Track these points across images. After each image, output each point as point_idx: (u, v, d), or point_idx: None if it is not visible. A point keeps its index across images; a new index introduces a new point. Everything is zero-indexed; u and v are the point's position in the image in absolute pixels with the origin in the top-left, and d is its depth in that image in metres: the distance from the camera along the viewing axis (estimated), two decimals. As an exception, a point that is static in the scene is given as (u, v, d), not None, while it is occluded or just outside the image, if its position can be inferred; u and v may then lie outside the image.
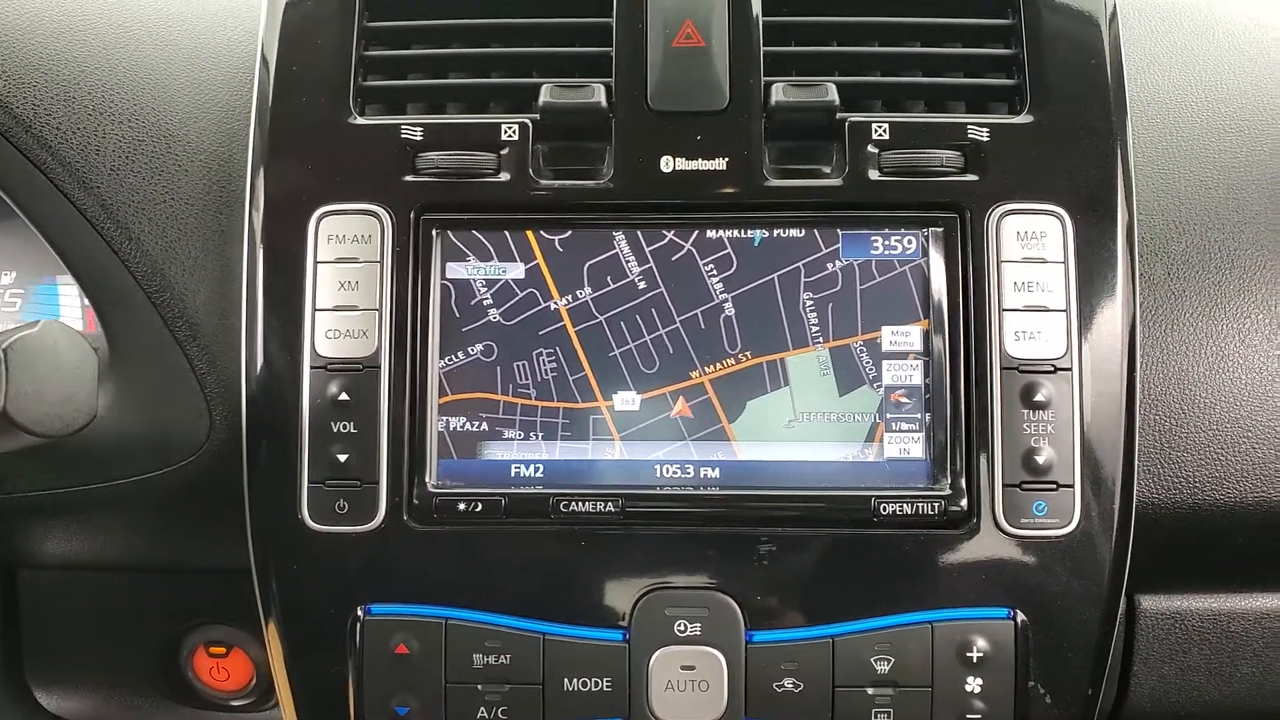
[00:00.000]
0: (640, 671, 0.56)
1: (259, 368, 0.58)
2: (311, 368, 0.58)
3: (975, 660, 0.56)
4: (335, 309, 0.58)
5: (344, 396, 0.57)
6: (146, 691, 0.73)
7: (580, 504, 0.57)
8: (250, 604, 0.64)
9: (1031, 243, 0.57)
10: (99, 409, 0.59)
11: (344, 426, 0.57)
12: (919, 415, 0.58)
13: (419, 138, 0.59)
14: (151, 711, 0.74)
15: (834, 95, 0.57)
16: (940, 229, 0.58)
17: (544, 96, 0.58)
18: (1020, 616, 0.56)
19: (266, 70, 0.60)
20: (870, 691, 0.56)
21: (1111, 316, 0.57)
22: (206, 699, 0.73)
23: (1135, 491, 0.57)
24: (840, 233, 0.58)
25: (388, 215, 0.58)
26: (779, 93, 0.58)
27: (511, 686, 0.57)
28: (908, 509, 0.56)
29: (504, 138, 0.59)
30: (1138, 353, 0.57)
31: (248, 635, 0.70)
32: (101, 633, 0.72)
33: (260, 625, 0.61)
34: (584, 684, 0.56)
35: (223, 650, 0.72)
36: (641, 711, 0.57)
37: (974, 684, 0.56)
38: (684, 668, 0.56)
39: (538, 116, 0.59)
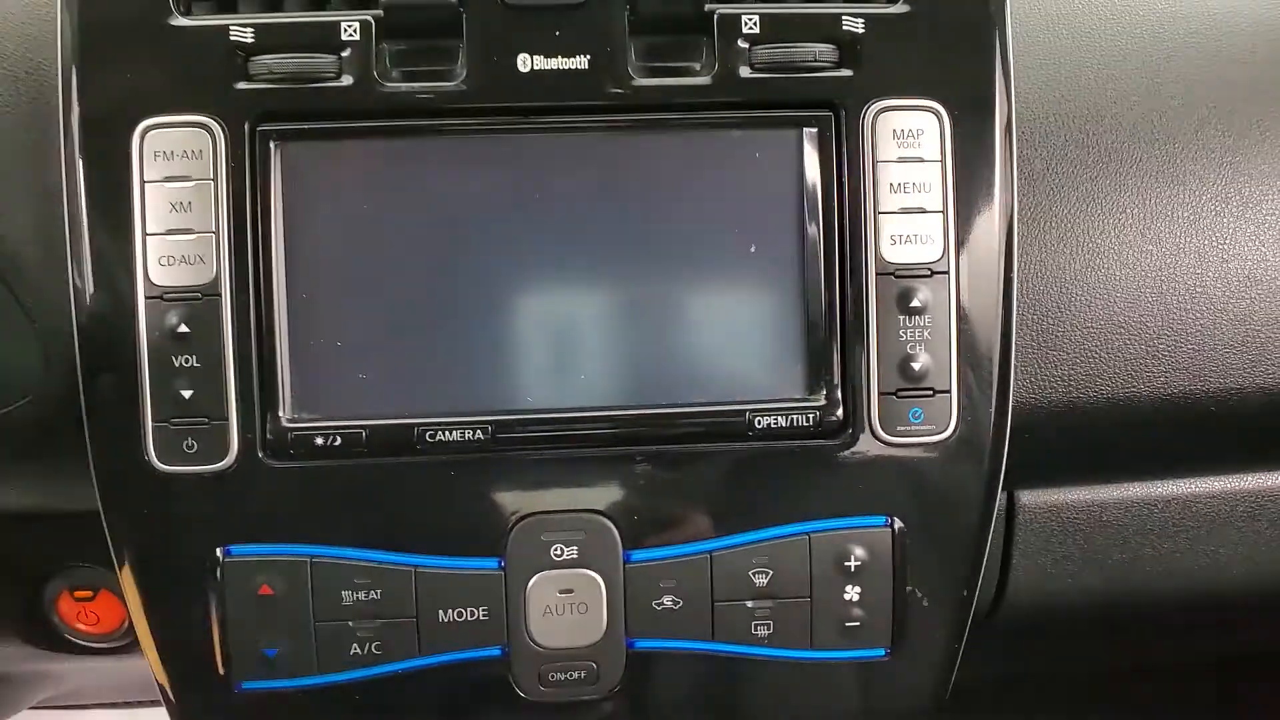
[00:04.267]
0: (517, 598, 0.55)
1: (89, 300, 0.53)
2: (146, 298, 0.53)
3: (853, 569, 0.56)
4: (168, 233, 0.53)
5: (183, 328, 0.53)
6: (14, 641, 0.70)
7: (447, 433, 0.54)
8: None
9: (908, 141, 0.55)
10: None
11: (186, 360, 0.53)
12: (794, 324, 0.56)
13: (250, 39, 0.53)
14: (25, 659, 0.71)
15: None
16: (814, 129, 0.55)
17: None
18: (897, 524, 0.56)
19: None
20: (750, 604, 0.56)
21: (990, 217, 0.56)
22: (78, 645, 0.70)
23: (1012, 394, 0.57)
24: (709, 135, 0.55)
25: (219, 127, 0.53)
26: None
27: (384, 621, 0.55)
28: (783, 421, 0.55)
29: (344, 37, 0.53)
30: (1015, 253, 0.56)
31: (112, 577, 0.67)
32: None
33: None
34: (460, 614, 0.55)
35: (89, 593, 0.68)
36: (520, 639, 0.56)
37: (852, 592, 0.57)
38: (562, 591, 0.55)
39: (381, 13, 0.53)
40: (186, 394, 0.53)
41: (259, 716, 0.57)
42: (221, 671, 0.55)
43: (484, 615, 0.55)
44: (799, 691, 0.58)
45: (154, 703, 1.57)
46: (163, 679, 0.57)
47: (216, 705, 0.56)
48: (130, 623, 0.70)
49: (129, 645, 0.72)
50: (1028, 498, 0.68)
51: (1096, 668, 0.99)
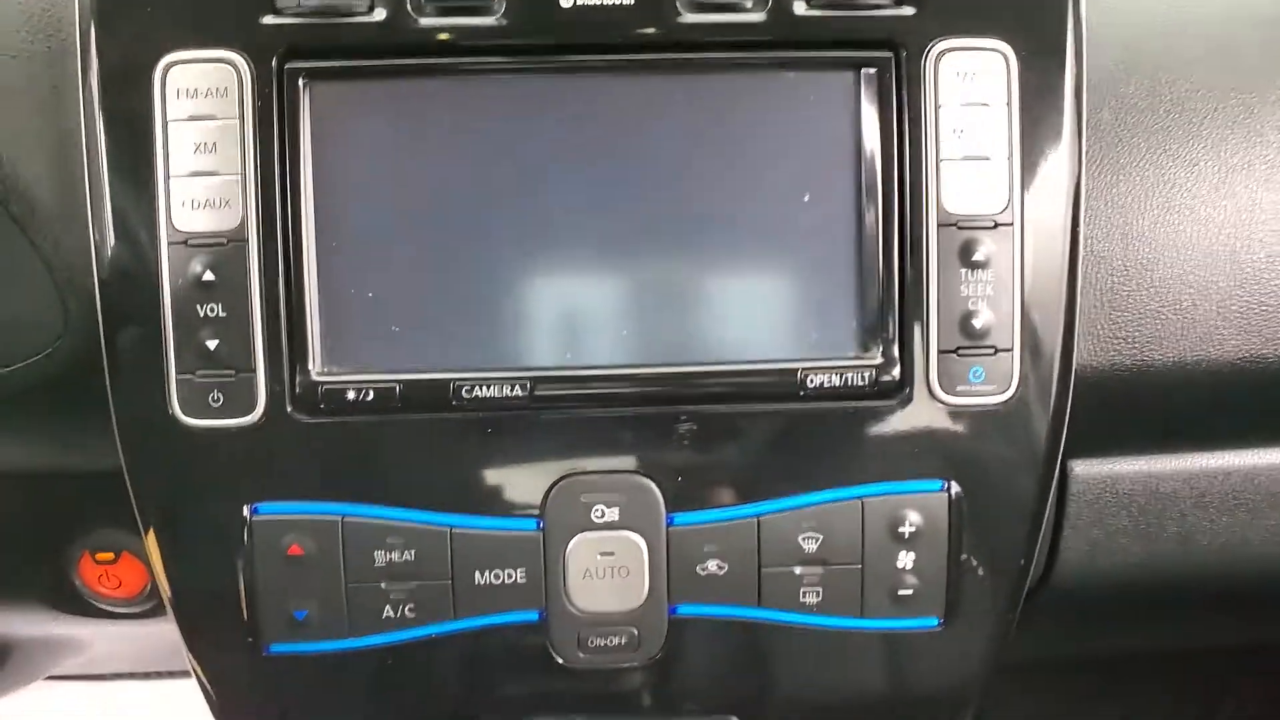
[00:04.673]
0: (556, 561, 0.53)
1: (110, 247, 0.51)
2: (170, 244, 0.51)
3: (907, 535, 0.54)
4: (192, 175, 0.50)
5: (209, 276, 0.50)
6: (37, 605, 0.68)
7: (484, 389, 0.52)
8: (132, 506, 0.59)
9: (973, 85, 0.52)
10: None
11: (211, 310, 0.51)
12: (849, 278, 0.53)
13: None
14: (49, 624, 0.69)
15: None
16: (873, 70, 0.52)
17: None
18: (954, 488, 0.54)
19: None
20: (798, 571, 0.53)
21: (1057, 166, 0.52)
22: (100, 609, 0.68)
23: (1075, 354, 0.54)
24: (761, 76, 0.52)
25: (245, 63, 0.50)
26: None
27: (418, 583, 0.53)
28: (836, 380, 0.52)
29: None
30: (1083, 205, 0.53)
31: (134, 537, 0.65)
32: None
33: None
34: (497, 576, 0.53)
35: (110, 556, 0.66)
36: (559, 602, 0.53)
37: (906, 559, 0.54)
38: (602, 554, 0.53)
39: None
40: (212, 345, 0.51)
41: (288, 680, 0.55)
42: (249, 634, 0.53)
43: (521, 578, 0.53)
44: (846, 661, 0.56)
45: (179, 673, 1.57)
46: (189, 642, 0.55)
47: (244, 669, 0.54)
48: (153, 587, 0.69)
49: (152, 610, 0.70)
50: (1081, 468, 0.65)
51: (1141, 648, 0.96)
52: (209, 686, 0.56)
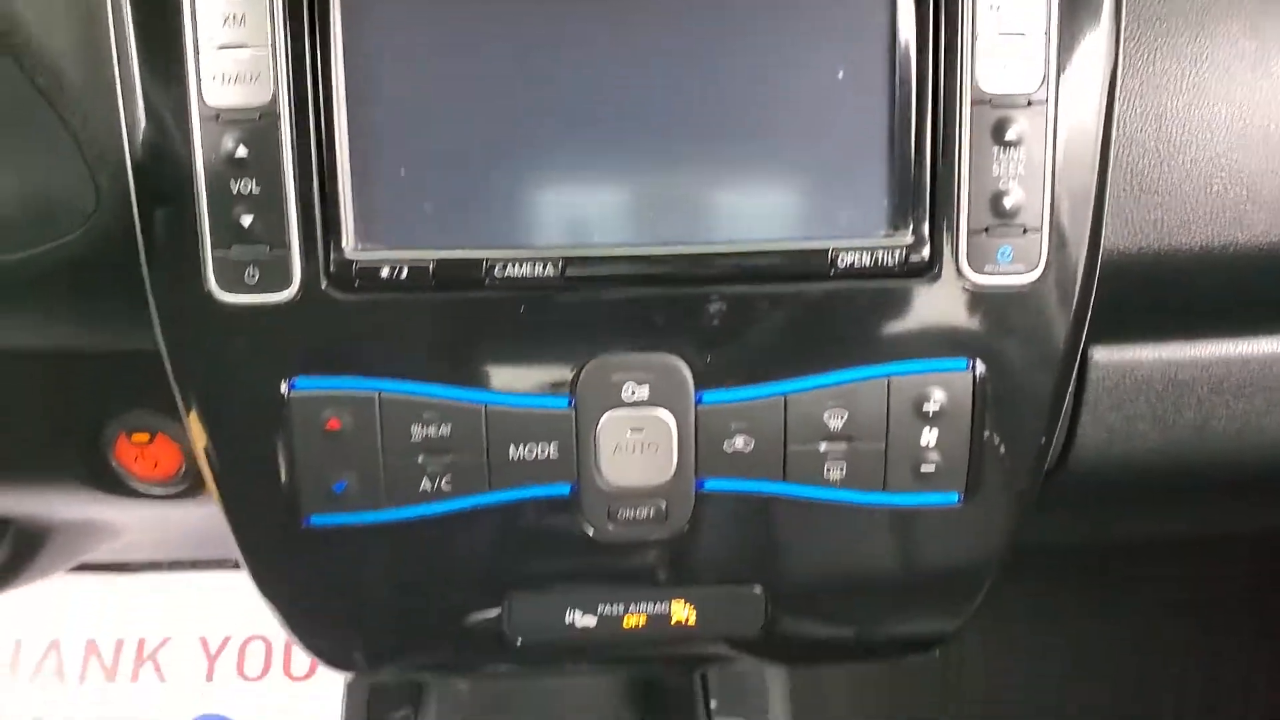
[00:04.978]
0: (587, 437, 0.54)
1: (141, 124, 0.51)
2: (201, 120, 0.50)
3: (931, 413, 0.55)
4: (222, 48, 0.50)
5: (241, 151, 0.50)
6: (76, 487, 0.70)
7: (516, 267, 0.52)
8: (168, 385, 0.60)
9: None
10: None
11: (245, 186, 0.51)
12: (881, 156, 0.53)
13: None
14: (87, 506, 0.71)
15: None
16: None
17: None
18: (980, 367, 0.54)
19: None
20: (823, 447, 0.55)
21: (1094, 44, 0.52)
22: (137, 490, 0.70)
23: (1103, 236, 0.54)
24: None
25: None
26: None
27: (453, 457, 0.54)
28: (867, 259, 0.53)
29: None
30: (1118, 85, 0.53)
31: (168, 419, 0.66)
32: (12, 426, 0.67)
33: (179, 409, 0.57)
34: (530, 451, 0.54)
35: (145, 437, 0.68)
36: (590, 476, 0.55)
37: (929, 436, 0.55)
38: (632, 430, 0.54)
39: None
40: (246, 221, 0.51)
41: (327, 552, 0.56)
42: (289, 507, 0.55)
43: (554, 453, 0.54)
44: (867, 535, 0.58)
45: (212, 563, 1.62)
46: (229, 516, 0.57)
47: (284, 541, 0.56)
48: (188, 468, 0.70)
49: (186, 491, 0.71)
50: (1100, 354, 0.65)
51: (1155, 534, 0.98)
52: (251, 560, 0.58)
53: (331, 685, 1.50)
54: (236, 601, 1.53)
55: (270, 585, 0.58)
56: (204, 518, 0.87)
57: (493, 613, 0.58)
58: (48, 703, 1.49)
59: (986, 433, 0.56)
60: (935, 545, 0.59)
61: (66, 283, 0.59)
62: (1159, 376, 0.66)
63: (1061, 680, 1.31)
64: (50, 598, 1.52)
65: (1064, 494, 0.69)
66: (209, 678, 1.50)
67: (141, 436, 0.68)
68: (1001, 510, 0.58)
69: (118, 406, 0.67)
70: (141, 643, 1.52)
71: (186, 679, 1.50)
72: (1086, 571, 1.24)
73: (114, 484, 0.70)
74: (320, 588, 0.58)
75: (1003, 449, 0.56)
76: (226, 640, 1.51)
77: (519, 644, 0.59)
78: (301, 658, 1.51)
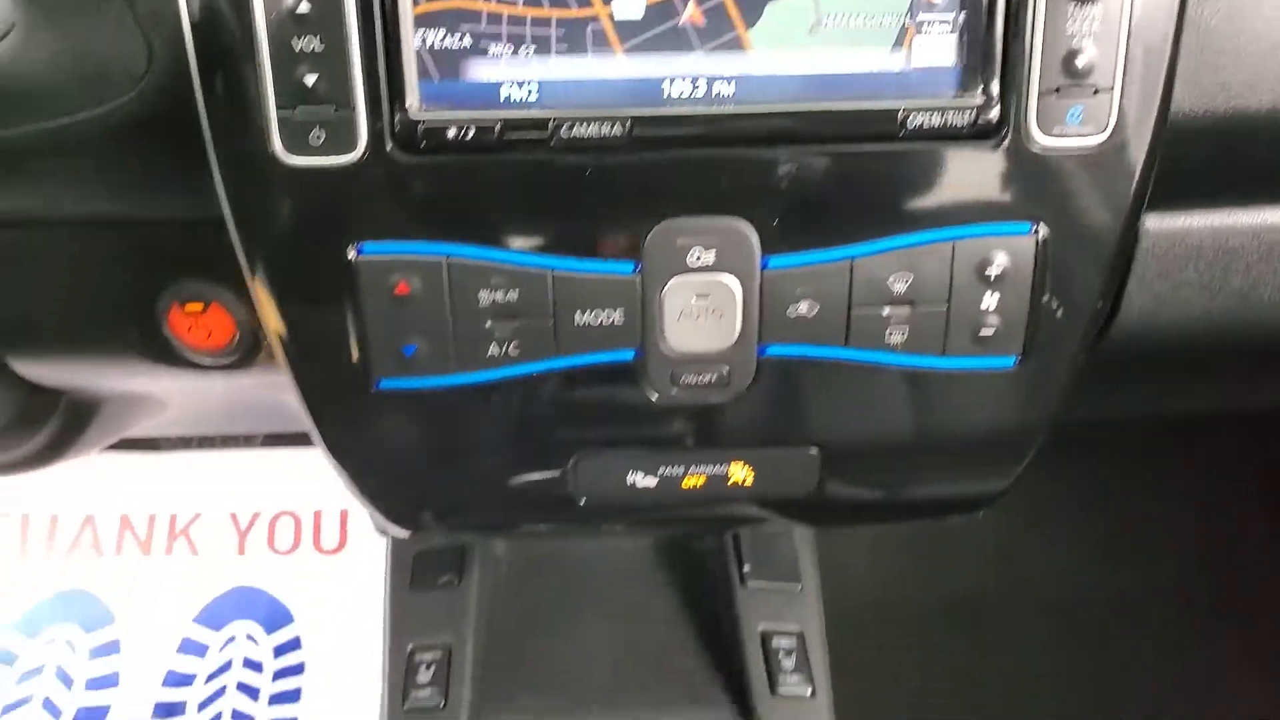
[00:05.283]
0: (652, 302, 0.55)
1: None
2: None
3: (994, 277, 0.55)
4: (278, -101, 0.48)
5: (304, 8, 0.49)
6: (128, 356, 0.70)
7: (583, 127, 0.52)
8: (221, 254, 0.60)
9: None
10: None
11: (309, 44, 0.50)
12: (952, 15, 0.52)
13: None
14: (138, 375, 0.72)
15: None
16: None
17: None
18: (1043, 231, 0.55)
19: None
20: (886, 312, 0.55)
21: (1172, -103, 0.50)
22: (190, 360, 0.71)
23: (1172, 97, 0.54)
24: None
25: None
26: None
27: (521, 322, 0.55)
28: (937, 120, 0.52)
29: None
30: (1198, -65, 0.51)
31: (223, 289, 0.67)
32: (68, 296, 0.67)
33: (233, 277, 0.57)
34: (596, 317, 0.55)
35: (199, 307, 0.68)
36: (654, 342, 0.56)
37: (990, 300, 0.56)
38: (698, 296, 0.55)
39: None
40: (310, 80, 0.50)
41: (397, 415, 0.58)
42: (361, 372, 0.56)
43: (620, 319, 0.55)
44: (922, 399, 0.59)
45: (241, 441, 1.65)
46: (299, 381, 0.58)
47: (355, 406, 0.57)
48: (240, 337, 0.71)
49: (239, 361, 0.72)
50: (1153, 222, 0.66)
51: (1196, 408, 1.00)
52: (321, 425, 0.59)
53: (361, 557, 1.55)
54: (265, 480, 1.56)
55: (341, 449, 0.60)
56: (242, 390, 0.89)
57: (558, 474, 0.60)
58: (85, 575, 1.54)
59: (1045, 297, 0.56)
60: (987, 408, 0.60)
61: (117, 149, 0.58)
62: (1209, 244, 0.66)
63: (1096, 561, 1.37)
64: (85, 475, 1.56)
65: (1107, 364, 0.70)
66: (240, 552, 1.54)
67: (195, 306, 0.68)
68: (1053, 374, 0.59)
69: (171, 276, 0.67)
70: (173, 518, 1.55)
71: (219, 553, 1.54)
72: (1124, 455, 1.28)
73: (167, 354, 0.71)
74: (390, 451, 0.59)
75: (1060, 313, 0.57)
76: (256, 516, 1.55)
77: (582, 503, 0.61)
78: (331, 532, 1.55)
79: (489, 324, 0.54)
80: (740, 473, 0.60)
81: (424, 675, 0.84)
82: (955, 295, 0.55)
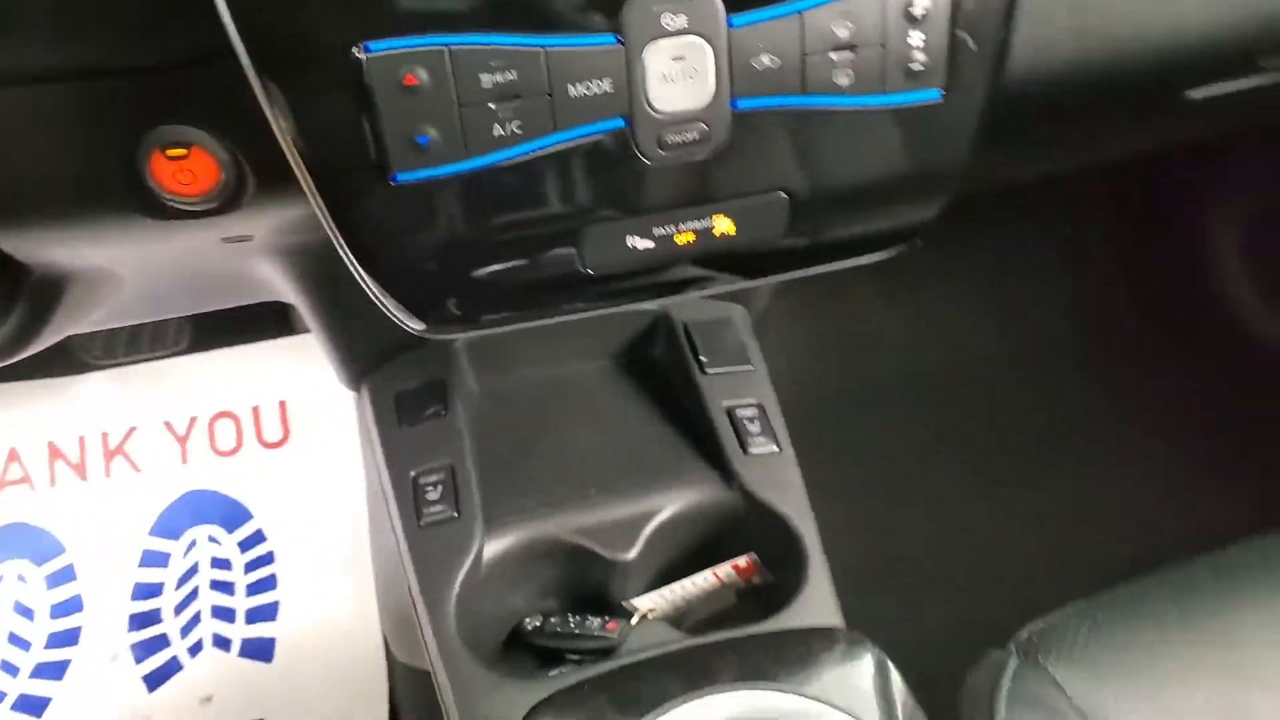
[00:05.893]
0: (636, 68, 0.61)
1: None
2: None
3: (919, 16, 0.64)
4: None
5: None
6: (111, 208, 0.72)
7: None
8: (198, 97, 0.63)
9: None
10: None
11: None
12: None
13: None
14: (123, 228, 0.74)
15: None
16: None
17: None
18: None
19: None
20: (834, 56, 0.64)
21: None
22: (175, 208, 0.73)
23: None
24: None
25: None
26: None
27: (521, 101, 0.60)
28: None
29: None
30: None
31: (204, 132, 0.69)
32: (45, 153, 0.68)
33: (213, 118, 0.60)
34: (588, 88, 0.61)
35: (182, 152, 0.70)
36: (640, 106, 0.62)
37: (916, 37, 0.65)
38: (675, 59, 0.62)
39: None
40: None
41: (416, 206, 0.63)
42: (378, 166, 0.60)
43: (609, 87, 0.61)
44: (867, 137, 0.68)
45: (168, 353, 1.62)
46: (319, 186, 0.62)
47: (375, 200, 0.62)
48: (224, 182, 0.73)
49: (223, 206, 0.74)
50: None
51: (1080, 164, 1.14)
52: (342, 228, 0.63)
53: (307, 446, 1.58)
54: (196, 383, 1.55)
55: (363, 249, 0.64)
56: (205, 262, 0.91)
57: (568, 250, 0.67)
58: (22, 509, 1.51)
59: (959, 33, 0.66)
60: (921, 140, 0.70)
61: None
62: (1073, -13, 0.77)
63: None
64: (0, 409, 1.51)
65: (1005, 125, 0.81)
66: (184, 460, 1.55)
67: (178, 151, 0.70)
68: (974, 102, 0.69)
69: (148, 124, 0.69)
70: (105, 436, 1.54)
71: (161, 465, 1.54)
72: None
73: (151, 205, 0.73)
74: (413, 244, 0.65)
75: (972, 46, 0.67)
76: (193, 421, 1.55)
77: (591, 275, 0.68)
78: (273, 425, 1.57)
79: (493, 105, 0.60)
80: (724, 224, 0.68)
81: (433, 494, 0.90)
82: (888, 34, 0.64)
